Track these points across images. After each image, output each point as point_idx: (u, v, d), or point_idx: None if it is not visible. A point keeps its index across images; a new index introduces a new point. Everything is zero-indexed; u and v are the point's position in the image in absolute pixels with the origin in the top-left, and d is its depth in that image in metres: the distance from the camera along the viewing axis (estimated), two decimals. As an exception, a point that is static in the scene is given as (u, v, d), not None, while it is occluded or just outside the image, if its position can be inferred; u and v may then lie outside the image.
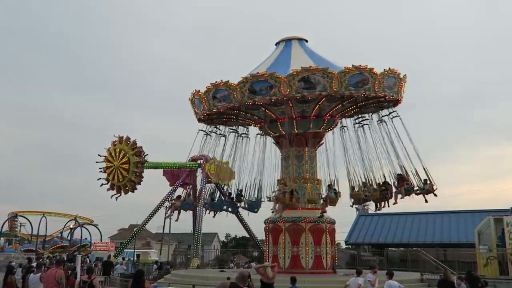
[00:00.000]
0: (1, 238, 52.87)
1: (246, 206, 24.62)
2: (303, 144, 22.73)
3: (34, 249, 44.00)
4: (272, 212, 22.02)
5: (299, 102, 21.00)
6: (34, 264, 16.55)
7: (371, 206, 23.65)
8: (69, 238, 52.05)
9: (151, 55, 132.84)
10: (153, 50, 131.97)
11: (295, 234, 21.40)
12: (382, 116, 22.66)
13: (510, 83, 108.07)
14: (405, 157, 21.32)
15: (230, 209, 24.73)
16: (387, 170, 21.99)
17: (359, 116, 23.75)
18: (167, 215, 25.19)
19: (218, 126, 24.66)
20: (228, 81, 20.62)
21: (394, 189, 21.64)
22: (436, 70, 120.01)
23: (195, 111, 23.32)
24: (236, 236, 71.20)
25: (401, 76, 20.97)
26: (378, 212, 24.13)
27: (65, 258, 26.23)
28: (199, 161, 40.83)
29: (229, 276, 17.02)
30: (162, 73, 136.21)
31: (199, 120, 23.63)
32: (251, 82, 20.05)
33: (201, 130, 23.69)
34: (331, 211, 22.52)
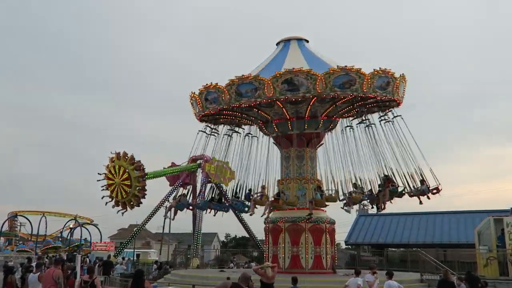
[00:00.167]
0: (1, 238, 52.82)
1: (232, 205, 24.34)
2: (304, 144, 22.73)
3: (28, 250, 43.91)
4: (262, 216, 22.11)
5: (290, 104, 21.08)
6: (33, 264, 16.58)
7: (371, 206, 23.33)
8: (68, 238, 52.13)
9: (151, 55, 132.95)
10: (153, 50, 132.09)
11: (295, 234, 21.41)
12: (380, 117, 22.68)
13: (510, 83, 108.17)
14: (403, 158, 21.17)
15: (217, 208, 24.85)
16: (384, 171, 21.69)
17: (361, 117, 23.64)
18: (164, 214, 25.17)
19: (218, 126, 24.68)
20: (217, 83, 21.01)
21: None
22: (436, 70, 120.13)
23: (194, 111, 23.53)
24: (236, 236, 71.21)
25: (396, 75, 20.61)
26: (378, 212, 24.04)
27: (65, 258, 26.27)
28: (199, 161, 40.86)
29: (229, 276, 17.03)
30: (162, 73, 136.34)
31: (199, 119, 23.80)
32: (237, 85, 20.35)
33: (201, 130, 23.72)
34: (331, 211, 22.58)
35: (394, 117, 21.92)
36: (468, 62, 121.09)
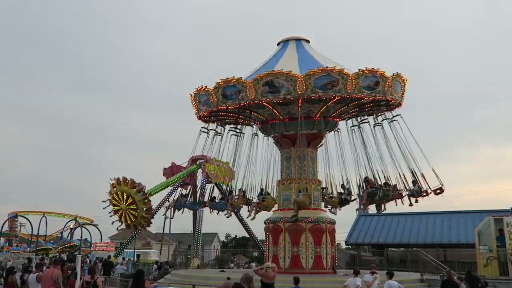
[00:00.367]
0: (1, 238, 52.79)
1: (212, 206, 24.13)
2: (305, 144, 22.74)
3: (22, 252, 43.85)
4: (248, 217, 22.31)
5: (280, 105, 21.23)
6: (33, 264, 16.58)
7: (371, 207, 23.29)
8: (67, 238, 52.09)
9: (151, 55, 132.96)
10: (153, 50, 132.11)
11: (295, 234, 21.42)
12: (375, 118, 22.79)
13: (510, 83, 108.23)
14: (394, 159, 21.32)
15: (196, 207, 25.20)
16: (380, 172, 21.79)
17: (361, 117, 23.68)
18: (163, 214, 25.36)
19: (217, 126, 24.69)
20: (206, 86, 21.51)
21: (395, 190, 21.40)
22: (436, 70, 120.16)
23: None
24: (236, 236, 71.25)
25: (387, 75, 20.27)
26: (375, 212, 24.01)
27: (65, 258, 26.28)
28: (199, 161, 40.84)
29: (229, 276, 17.05)
30: (162, 73, 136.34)
31: (199, 119, 23.93)
32: (223, 87, 20.79)
33: (203, 127, 23.78)
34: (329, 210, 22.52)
35: (390, 119, 21.95)
36: (468, 62, 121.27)
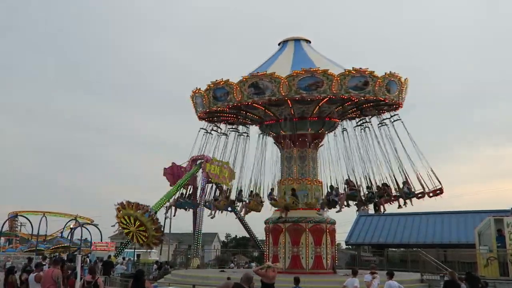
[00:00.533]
0: (1, 238, 52.79)
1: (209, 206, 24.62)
2: (306, 145, 22.76)
3: (16, 253, 43.79)
4: (242, 217, 22.37)
5: (272, 106, 21.42)
6: (32, 264, 16.58)
7: (371, 207, 23.23)
8: (68, 238, 52.10)
9: (151, 55, 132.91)
10: (153, 50, 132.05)
11: (295, 234, 21.41)
12: (377, 118, 22.75)
13: (510, 83, 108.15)
14: (386, 160, 21.30)
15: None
16: (372, 173, 21.71)
17: (360, 118, 23.69)
18: (165, 213, 25.59)
19: (218, 125, 24.74)
20: (200, 88, 22.01)
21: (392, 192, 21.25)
22: (436, 70, 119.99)
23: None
24: (236, 236, 71.21)
25: (377, 74, 20.08)
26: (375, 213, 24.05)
27: (65, 258, 26.28)
28: (199, 161, 40.84)
29: (229, 276, 17.05)
30: (162, 73, 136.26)
31: (200, 119, 24.06)
32: (213, 89, 21.24)
33: (202, 128, 23.82)
34: (331, 211, 22.53)
35: (387, 119, 21.99)
36: (468, 62, 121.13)
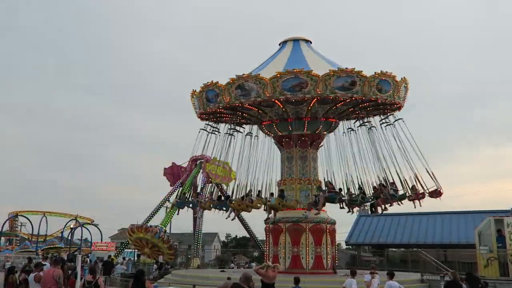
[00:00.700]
0: (1, 238, 52.82)
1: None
2: (307, 145, 22.76)
3: (11, 255, 43.73)
4: (226, 218, 22.52)
5: (265, 106, 21.57)
6: (31, 265, 16.58)
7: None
8: (68, 238, 52.15)
9: (151, 55, 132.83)
10: (153, 50, 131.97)
11: (295, 235, 21.41)
12: (361, 119, 22.85)
13: (510, 83, 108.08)
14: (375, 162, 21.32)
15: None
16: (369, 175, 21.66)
17: (360, 119, 23.68)
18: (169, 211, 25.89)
19: (218, 125, 24.74)
20: (196, 90, 22.50)
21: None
22: (436, 70, 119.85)
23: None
24: (236, 236, 71.20)
25: (365, 74, 19.89)
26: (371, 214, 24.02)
27: (65, 258, 26.28)
28: (199, 162, 40.90)
29: (229, 276, 17.05)
30: (162, 73, 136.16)
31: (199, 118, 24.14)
32: (206, 91, 21.68)
33: (202, 128, 23.80)
34: (331, 211, 22.57)
35: (380, 121, 22.08)
36: (468, 62, 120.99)
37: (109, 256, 30.44)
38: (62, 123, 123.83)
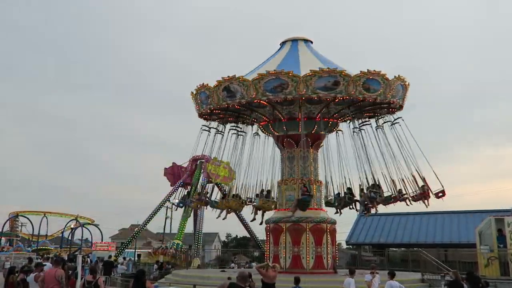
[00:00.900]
0: (2, 238, 52.79)
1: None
2: (309, 145, 22.78)
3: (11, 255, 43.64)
4: (217, 217, 22.90)
5: (257, 107, 21.79)
6: (31, 265, 16.58)
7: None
8: (68, 238, 52.14)
9: (151, 55, 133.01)
10: (153, 50, 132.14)
11: (296, 234, 21.39)
12: (377, 120, 22.78)
13: (510, 83, 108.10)
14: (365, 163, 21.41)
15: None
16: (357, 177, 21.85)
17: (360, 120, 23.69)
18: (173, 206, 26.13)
19: (218, 125, 24.74)
20: (193, 92, 22.89)
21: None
22: (436, 70, 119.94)
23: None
24: (237, 236, 71.28)
25: (349, 73, 19.75)
26: (379, 212, 23.95)
27: (66, 258, 26.27)
28: (199, 161, 40.94)
29: (230, 276, 17.04)
30: (162, 73, 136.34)
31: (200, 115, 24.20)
32: (199, 93, 22.19)
33: (204, 125, 23.84)
34: (332, 211, 22.54)
35: (377, 122, 22.19)
36: (468, 62, 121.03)
37: (110, 256, 30.48)
38: (62, 123, 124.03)
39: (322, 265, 21.29)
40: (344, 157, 22.52)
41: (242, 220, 44.21)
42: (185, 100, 24.49)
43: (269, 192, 21.55)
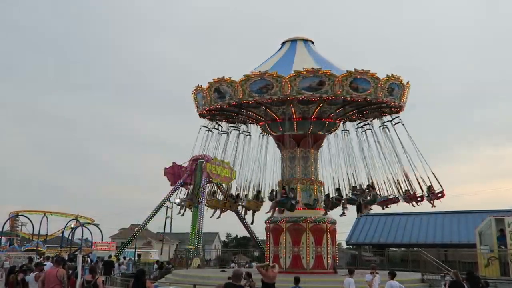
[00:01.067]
0: (2, 237, 52.78)
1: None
2: (309, 145, 22.80)
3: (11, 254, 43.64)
4: (211, 216, 23.17)
5: (252, 108, 21.92)
6: (32, 264, 16.61)
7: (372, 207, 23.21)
8: (68, 237, 52.11)
9: (151, 55, 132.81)
10: (153, 50, 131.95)
11: (296, 234, 21.41)
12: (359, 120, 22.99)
13: (510, 83, 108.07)
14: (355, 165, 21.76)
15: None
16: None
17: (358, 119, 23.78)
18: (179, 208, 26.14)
19: (219, 123, 24.78)
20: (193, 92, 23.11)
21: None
22: (436, 70, 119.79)
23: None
24: (237, 236, 71.33)
25: (335, 73, 19.60)
26: (379, 212, 24.06)
27: (66, 258, 26.28)
28: (199, 161, 40.92)
29: (230, 276, 17.03)
30: (162, 73, 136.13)
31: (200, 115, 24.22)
32: (196, 94, 22.57)
33: (203, 126, 23.86)
34: (332, 211, 22.49)
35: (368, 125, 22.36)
36: (468, 62, 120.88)
37: (110, 256, 30.48)
38: (62, 123, 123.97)
39: (322, 265, 21.31)
40: (334, 158, 22.75)
41: (242, 220, 44.19)
42: (185, 100, 24.62)
43: (258, 192, 21.50)
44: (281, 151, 23.73)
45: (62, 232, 53.43)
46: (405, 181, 20.97)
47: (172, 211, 47.46)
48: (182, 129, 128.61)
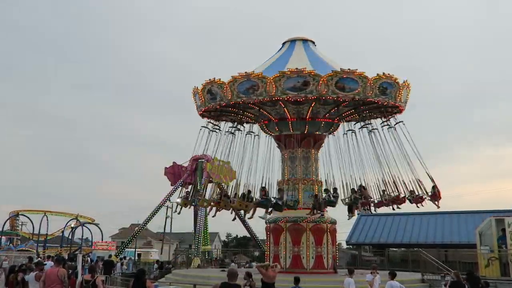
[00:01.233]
0: (2, 237, 52.80)
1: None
2: (310, 145, 22.77)
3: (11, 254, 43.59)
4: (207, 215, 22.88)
5: (247, 108, 22.11)
6: (32, 264, 16.63)
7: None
8: (68, 237, 52.16)
9: (151, 55, 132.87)
10: (153, 50, 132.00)
11: (296, 234, 21.39)
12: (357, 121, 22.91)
13: (510, 83, 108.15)
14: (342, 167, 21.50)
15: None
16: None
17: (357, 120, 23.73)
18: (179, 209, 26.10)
19: (217, 124, 24.74)
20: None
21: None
22: (436, 70, 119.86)
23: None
24: (237, 235, 71.41)
25: (319, 73, 19.41)
26: (379, 212, 23.96)
27: (66, 258, 26.30)
28: (200, 161, 40.96)
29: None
30: (162, 73, 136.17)
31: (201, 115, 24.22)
32: (194, 94, 22.79)
33: (203, 126, 23.83)
34: (332, 211, 22.51)
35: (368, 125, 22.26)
36: (468, 62, 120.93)
37: (110, 256, 30.50)
38: (62, 123, 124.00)
39: (322, 265, 21.30)
40: (327, 159, 22.53)
41: (242, 219, 44.19)
42: (185, 100, 24.77)
43: (249, 192, 21.42)
44: (281, 151, 23.72)
45: (62, 232, 53.48)
46: (411, 182, 20.82)
47: (172, 211, 47.49)
48: (182, 129, 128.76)
